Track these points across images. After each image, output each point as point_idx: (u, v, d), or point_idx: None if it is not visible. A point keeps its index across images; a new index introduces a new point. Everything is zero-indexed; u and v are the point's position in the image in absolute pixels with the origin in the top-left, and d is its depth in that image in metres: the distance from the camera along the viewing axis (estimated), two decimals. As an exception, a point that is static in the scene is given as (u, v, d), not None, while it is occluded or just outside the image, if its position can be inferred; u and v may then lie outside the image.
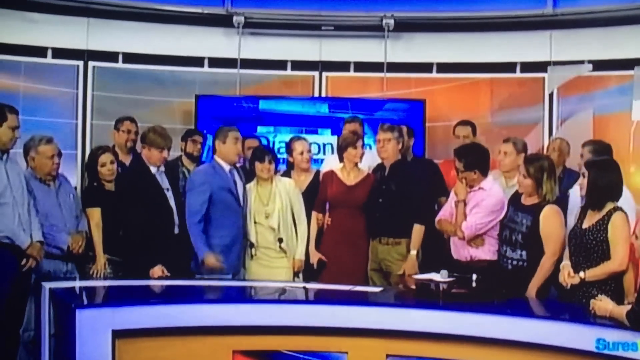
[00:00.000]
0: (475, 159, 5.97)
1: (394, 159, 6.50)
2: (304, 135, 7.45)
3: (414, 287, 5.29)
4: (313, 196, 6.64)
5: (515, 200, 5.66)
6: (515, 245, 5.52)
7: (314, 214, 6.59)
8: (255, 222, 6.36)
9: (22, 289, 5.58)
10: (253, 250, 6.34)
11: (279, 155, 7.19)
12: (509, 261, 5.56)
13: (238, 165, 6.49)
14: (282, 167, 7.36)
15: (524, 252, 5.47)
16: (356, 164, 6.60)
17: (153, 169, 6.15)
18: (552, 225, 5.41)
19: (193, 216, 6.03)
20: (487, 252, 5.85)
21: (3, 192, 5.47)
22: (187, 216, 6.05)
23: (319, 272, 6.48)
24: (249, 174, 6.61)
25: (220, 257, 5.96)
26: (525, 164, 5.59)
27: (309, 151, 6.92)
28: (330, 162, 7.15)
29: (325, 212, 6.61)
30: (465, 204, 5.87)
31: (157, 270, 5.90)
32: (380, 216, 6.40)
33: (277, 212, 6.36)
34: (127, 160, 6.93)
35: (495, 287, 5.20)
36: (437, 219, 6.16)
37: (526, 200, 5.56)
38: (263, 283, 6.01)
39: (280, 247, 6.36)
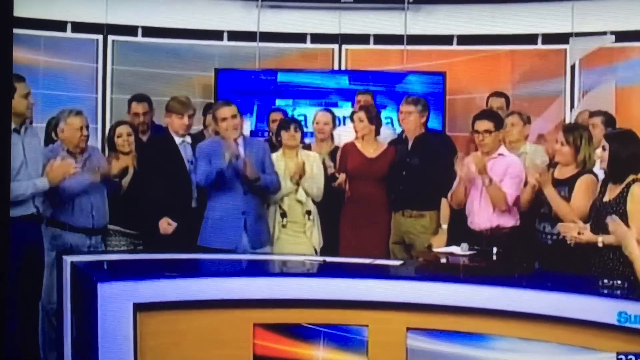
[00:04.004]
0: (500, 120, 6.02)
1: (416, 132, 6.48)
2: (332, 109, 7.42)
3: (435, 260, 5.29)
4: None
5: None
6: (554, 220, 5.40)
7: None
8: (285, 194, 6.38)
9: (36, 260, 5.58)
10: (284, 220, 6.35)
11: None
12: (549, 236, 5.50)
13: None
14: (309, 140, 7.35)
15: None
16: (375, 137, 6.61)
17: (178, 140, 6.16)
18: (581, 194, 5.34)
19: (200, 177, 5.99)
20: (511, 218, 5.84)
21: (19, 170, 5.46)
22: (197, 180, 6.03)
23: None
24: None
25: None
26: (563, 132, 5.53)
27: (327, 124, 6.94)
28: (343, 132, 7.14)
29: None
30: (491, 181, 5.81)
31: (163, 222, 5.88)
32: (404, 189, 6.40)
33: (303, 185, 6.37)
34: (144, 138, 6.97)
35: (517, 259, 5.18)
36: (450, 194, 6.13)
37: (561, 173, 5.51)
38: (284, 257, 6.02)
39: (309, 218, 6.37)
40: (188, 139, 6.31)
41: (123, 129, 6.46)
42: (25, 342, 5.54)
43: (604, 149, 5.00)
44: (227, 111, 6.07)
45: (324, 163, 6.58)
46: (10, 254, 4.98)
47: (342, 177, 6.50)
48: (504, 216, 5.84)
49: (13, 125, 5.45)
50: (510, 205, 5.80)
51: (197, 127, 7.39)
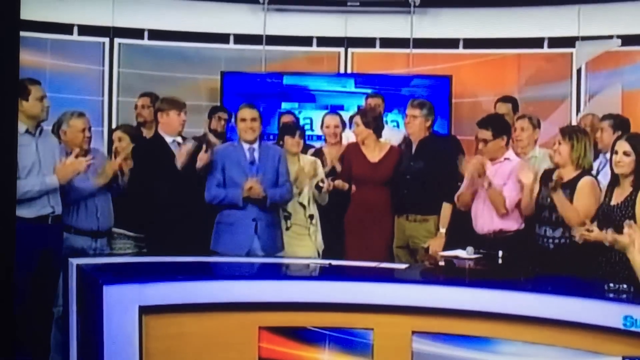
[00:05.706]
0: (501, 126, 5.97)
1: (420, 136, 6.46)
2: (340, 112, 7.40)
3: (440, 264, 5.28)
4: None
5: (547, 179, 5.58)
6: (556, 224, 5.41)
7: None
8: None
9: (51, 265, 5.59)
10: (289, 222, 6.33)
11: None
12: (550, 240, 5.47)
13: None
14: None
15: (566, 229, 5.40)
16: (377, 139, 6.57)
17: (169, 139, 6.19)
18: (584, 197, 5.32)
19: (209, 196, 6.04)
20: (514, 222, 5.81)
21: (30, 169, 5.47)
22: (206, 196, 6.04)
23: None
24: None
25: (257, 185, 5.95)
26: (560, 132, 5.52)
27: (337, 127, 6.92)
28: (351, 136, 7.13)
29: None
30: (490, 184, 5.80)
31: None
32: (408, 193, 6.37)
33: (306, 189, 6.34)
34: (149, 135, 6.98)
35: (523, 263, 5.17)
36: (457, 195, 6.11)
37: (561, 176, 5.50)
38: (289, 260, 6.02)
39: (312, 223, 6.36)
40: (179, 138, 6.29)
41: (116, 134, 6.54)
42: (36, 346, 5.55)
43: (616, 153, 4.97)
44: (247, 113, 6.16)
45: (334, 167, 6.58)
46: (22, 257, 4.99)
47: (326, 185, 6.39)
48: (508, 220, 5.81)
49: (26, 127, 5.48)
50: (509, 209, 5.78)
51: (199, 129, 7.42)
